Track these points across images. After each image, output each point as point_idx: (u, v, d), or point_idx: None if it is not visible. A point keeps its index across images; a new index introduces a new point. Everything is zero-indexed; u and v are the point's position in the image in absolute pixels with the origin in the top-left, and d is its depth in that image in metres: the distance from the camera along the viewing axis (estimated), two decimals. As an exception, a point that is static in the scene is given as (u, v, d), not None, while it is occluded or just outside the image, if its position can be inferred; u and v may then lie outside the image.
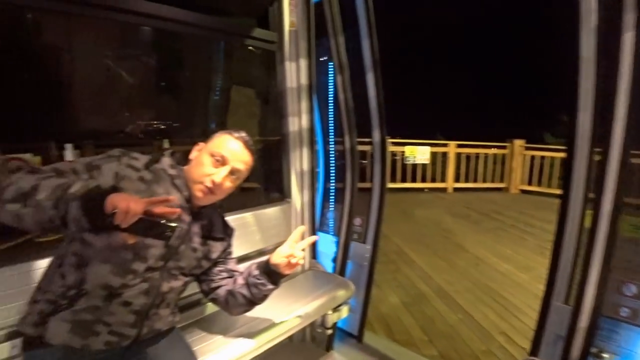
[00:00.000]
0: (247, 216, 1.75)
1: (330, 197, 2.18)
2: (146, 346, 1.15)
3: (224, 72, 2.60)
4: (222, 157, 1.13)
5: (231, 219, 1.39)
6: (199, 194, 1.13)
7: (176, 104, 2.73)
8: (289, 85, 1.87)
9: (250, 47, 2.07)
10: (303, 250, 1.19)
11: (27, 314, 1.00)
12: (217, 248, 1.27)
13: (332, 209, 2.17)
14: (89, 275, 0.98)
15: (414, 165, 7.46)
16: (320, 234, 2.12)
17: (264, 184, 2.18)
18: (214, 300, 1.29)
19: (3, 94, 1.89)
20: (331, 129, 2.18)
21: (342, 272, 1.85)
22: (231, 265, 1.31)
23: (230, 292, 1.24)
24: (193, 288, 1.28)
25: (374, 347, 1.99)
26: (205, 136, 1.21)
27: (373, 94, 1.89)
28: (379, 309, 2.70)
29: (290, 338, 1.94)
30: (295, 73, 1.87)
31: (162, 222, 0.86)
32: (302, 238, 1.25)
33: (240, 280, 1.24)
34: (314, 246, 1.92)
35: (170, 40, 2.46)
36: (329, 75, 2.07)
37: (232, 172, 1.14)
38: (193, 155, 1.19)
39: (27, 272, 1.15)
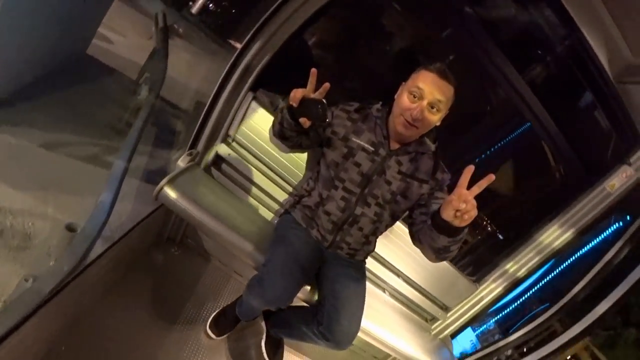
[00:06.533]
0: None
1: (505, 310, 2.29)
2: (338, 260, 1.42)
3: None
4: (418, 91, 1.16)
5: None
6: (399, 127, 1.22)
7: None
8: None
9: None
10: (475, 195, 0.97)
11: (287, 199, 1.58)
12: (416, 189, 1.29)
13: (496, 320, 2.28)
14: (316, 184, 1.39)
15: None
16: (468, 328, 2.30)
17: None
18: (417, 245, 1.28)
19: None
20: None
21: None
22: (435, 209, 1.17)
23: (421, 236, 1.21)
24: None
25: None
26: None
27: None
28: None
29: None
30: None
31: (315, 100, 1.08)
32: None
33: (428, 221, 1.15)
34: (458, 330, 2.14)
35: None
36: None
37: (431, 104, 1.16)
38: (397, 94, 1.26)
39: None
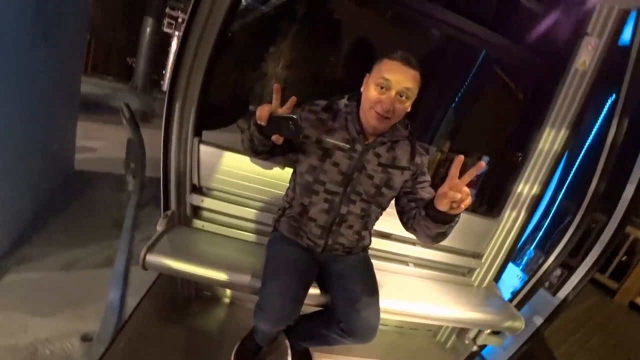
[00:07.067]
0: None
1: (539, 232, 2.15)
2: (337, 256, 1.42)
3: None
4: (385, 82, 1.15)
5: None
6: (372, 121, 1.21)
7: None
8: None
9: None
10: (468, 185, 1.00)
11: (273, 216, 1.52)
12: (399, 177, 1.30)
13: (535, 245, 2.14)
14: (295, 194, 1.37)
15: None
16: (510, 265, 2.17)
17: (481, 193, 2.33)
18: (411, 232, 1.28)
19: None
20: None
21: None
22: (422, 194, 1.27)
23: (415, 225, 1.22)
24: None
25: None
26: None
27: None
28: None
29: (436, 335, 2.22)
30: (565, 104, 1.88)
31: (284, 117, 1.05)
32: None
33: (422, 212, 1.17)
34: (499, 271, 2.02)
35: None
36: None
37: (400, 93, 1.16)
38: (363, 87, 1.24)
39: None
